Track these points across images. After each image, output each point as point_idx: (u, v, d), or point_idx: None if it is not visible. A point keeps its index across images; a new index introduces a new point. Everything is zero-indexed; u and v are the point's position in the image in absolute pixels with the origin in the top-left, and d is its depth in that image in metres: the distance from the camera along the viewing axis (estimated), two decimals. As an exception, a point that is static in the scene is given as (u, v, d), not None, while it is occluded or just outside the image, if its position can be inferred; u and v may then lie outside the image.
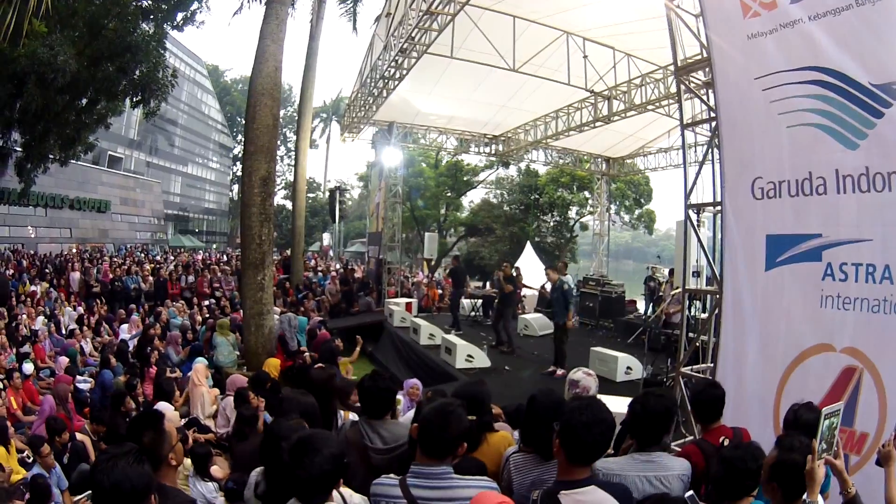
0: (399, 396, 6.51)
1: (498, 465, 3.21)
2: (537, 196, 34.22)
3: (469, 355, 10.15)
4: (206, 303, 15.21)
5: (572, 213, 34.73)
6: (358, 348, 8.98)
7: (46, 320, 12.41)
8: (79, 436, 6.65)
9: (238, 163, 56.55)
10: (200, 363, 8.30)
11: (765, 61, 4.65)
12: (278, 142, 13.08)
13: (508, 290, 11.58)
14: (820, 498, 2.47)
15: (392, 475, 2.47)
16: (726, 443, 3.09)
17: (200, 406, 7.42)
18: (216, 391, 7.99)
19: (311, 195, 48.30)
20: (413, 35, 10.80)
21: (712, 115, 5.55)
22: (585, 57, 12.40)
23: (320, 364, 7.19)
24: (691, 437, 5.18)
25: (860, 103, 4.01)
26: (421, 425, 2.44)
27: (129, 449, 2.01)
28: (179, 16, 14.75)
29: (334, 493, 2.28)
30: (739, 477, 2.47)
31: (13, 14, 9.81)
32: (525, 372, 10.05)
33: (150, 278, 17.01)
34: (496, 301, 12.37)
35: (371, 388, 3.28)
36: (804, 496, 2.46)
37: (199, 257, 28.15)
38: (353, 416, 4.11)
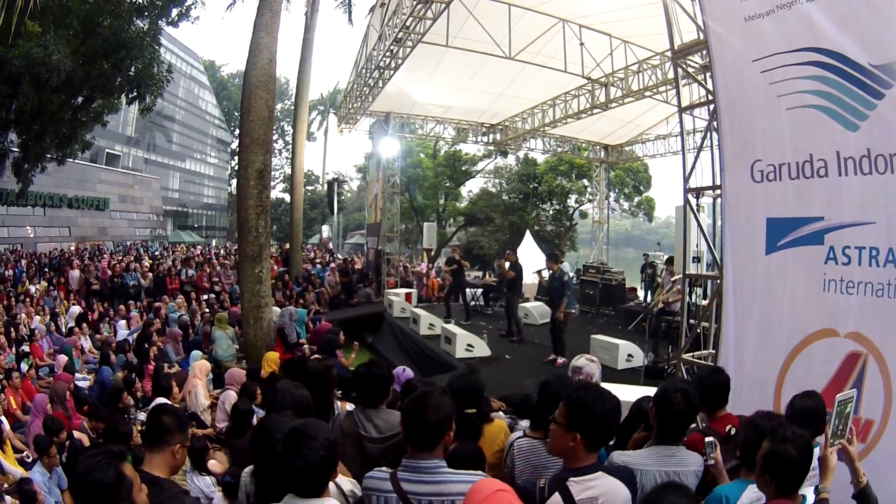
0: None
1: (495, 456, 3.18)
2: (536, 185, 34.12)
3: (469, 345, 10.12)
4: (205, 297, 15.19)
5: (571, 201, 34.61)
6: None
7: (47, 319, 12.39)
8: (76, 434, 6.63)
9: (236, 157, 56.63)
10: (200, 358, 8.27)
11: (763, 43, 4.56)
12: (276, 135, 13.00)
13: (510, 277, 11.55)
14: (810, 491, 2.42)
15: (384, 468, 2.42)
16: (732, 432, 3.03)
17: (194, 400, 7.40)
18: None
19: (309, 188, 48.31)
20: (407, 24, 10.70)
21: (710, 98, 5.47)
22: (582, 44, 12.31)
23: (316, 356, 7.15)
24: (695, 425, 5.11)
25: (860, 84, 3.93)
26: (401, 417, 2.42)
27: (108, 449, 1.99)
28: (174, 11, 14.57)
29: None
30: None
31: (2, 11, 9.72)
32: (526, 361, 10.03)
33: (150, 274, 16.97)
34: (504, 289, 12.35)
35: (366, 375, 3.24)
36: (814, 486, 2.41)
37: (198, 251, 28.10)
38: (350, 407, 4.08)
